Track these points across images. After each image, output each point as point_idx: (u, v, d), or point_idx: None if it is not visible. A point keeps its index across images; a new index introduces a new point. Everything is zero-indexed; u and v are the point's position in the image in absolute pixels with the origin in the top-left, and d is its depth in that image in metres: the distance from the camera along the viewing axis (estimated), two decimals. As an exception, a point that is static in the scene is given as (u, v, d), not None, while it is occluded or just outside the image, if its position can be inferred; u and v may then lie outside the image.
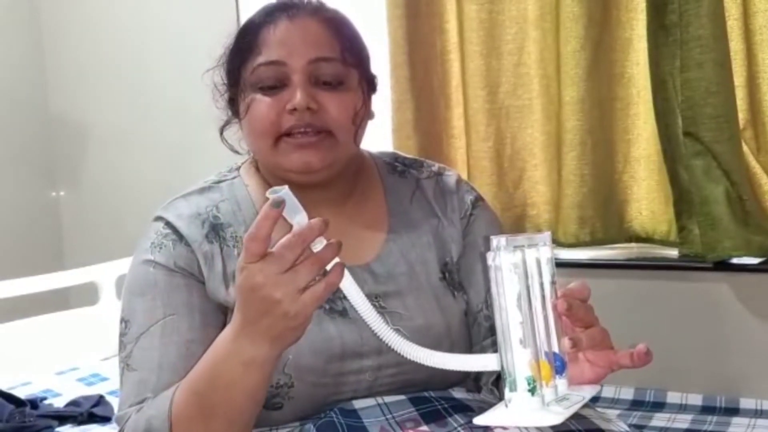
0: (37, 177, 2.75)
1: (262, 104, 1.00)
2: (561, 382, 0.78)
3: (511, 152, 1.97)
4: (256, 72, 1.01)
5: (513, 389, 0.73)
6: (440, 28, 2.00)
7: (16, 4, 2.69)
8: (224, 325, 1.01)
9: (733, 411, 1.62)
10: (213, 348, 0.88)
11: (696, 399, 1.67)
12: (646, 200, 1.85)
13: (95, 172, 2.71)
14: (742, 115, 1.71)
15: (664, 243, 1.84)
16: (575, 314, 0.81)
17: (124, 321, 1.01)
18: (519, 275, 0.74)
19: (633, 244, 1.90)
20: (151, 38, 2.53)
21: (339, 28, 1.04)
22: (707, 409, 1.63)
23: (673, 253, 1.82)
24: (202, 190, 1.08)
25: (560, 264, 2.09)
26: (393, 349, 0.99)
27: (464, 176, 1.96)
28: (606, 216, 1.86)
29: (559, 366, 0.77)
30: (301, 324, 0.80)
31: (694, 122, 1.68)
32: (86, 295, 2.17)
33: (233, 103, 1.08)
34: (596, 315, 0.85)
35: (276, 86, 1.00)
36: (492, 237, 0.78)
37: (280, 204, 0.77)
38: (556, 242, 1.90)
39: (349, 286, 0.81)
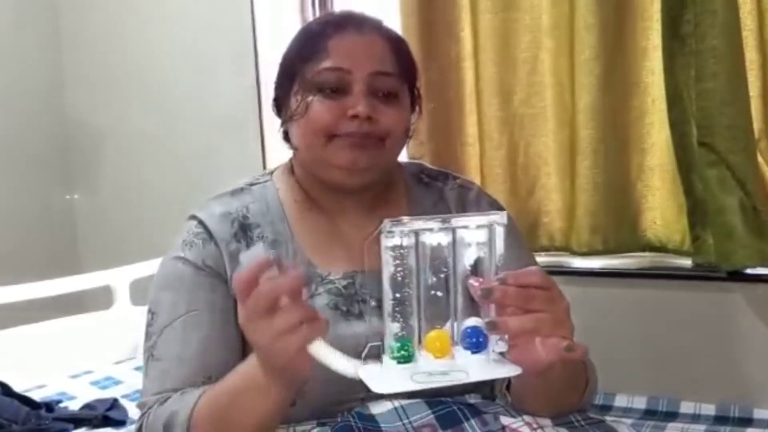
0: (53, 180, 2.76)
1: (322, 105, 1.05)
2: (474, 359, 0.80)
3: (525, 160, 1.97)
4: (321, 75, 1.05)
5: (383, 354, 0.80)
6: (454, 36, 2.01)
7: (35, 8, 2.71)
8: None
9: (747, 421, 1.61)
10: (237, 371, 0.92)
11: (709, 409, 1.66)
12: (660, 209, 1.85)
13: (111, 176, 2.72)
14: (757, 126, 1.71)
15: (678, 252, 1.84)
16: (500, 300, 0.79)
17: (151, 312, 1.06)
18: (397, 257, 0.79)
19: (646, 254, 1.90)
20: (169, 42, 2.55)
21: (399, 47, 1.11)
22: (720, 419, 1.63)
23: (687, 262, 1.82)
24: (234, 192, 1.12)
25: (573, 272, 2.07)
26: None
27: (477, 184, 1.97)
28: (619, 225, 1.86)
29: (472, 343, 0.80)
30: (286, 364, 0.81)
31: (709, 132, 1.67)
32: (101, 298, 2.18)
33: (278, 102, 1.13)
34: (565, 303, 0.81)
35: (337, 90, 1.05)
36: (385, 219, 0.80)
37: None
38: (569, 251, 1.90)
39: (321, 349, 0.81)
